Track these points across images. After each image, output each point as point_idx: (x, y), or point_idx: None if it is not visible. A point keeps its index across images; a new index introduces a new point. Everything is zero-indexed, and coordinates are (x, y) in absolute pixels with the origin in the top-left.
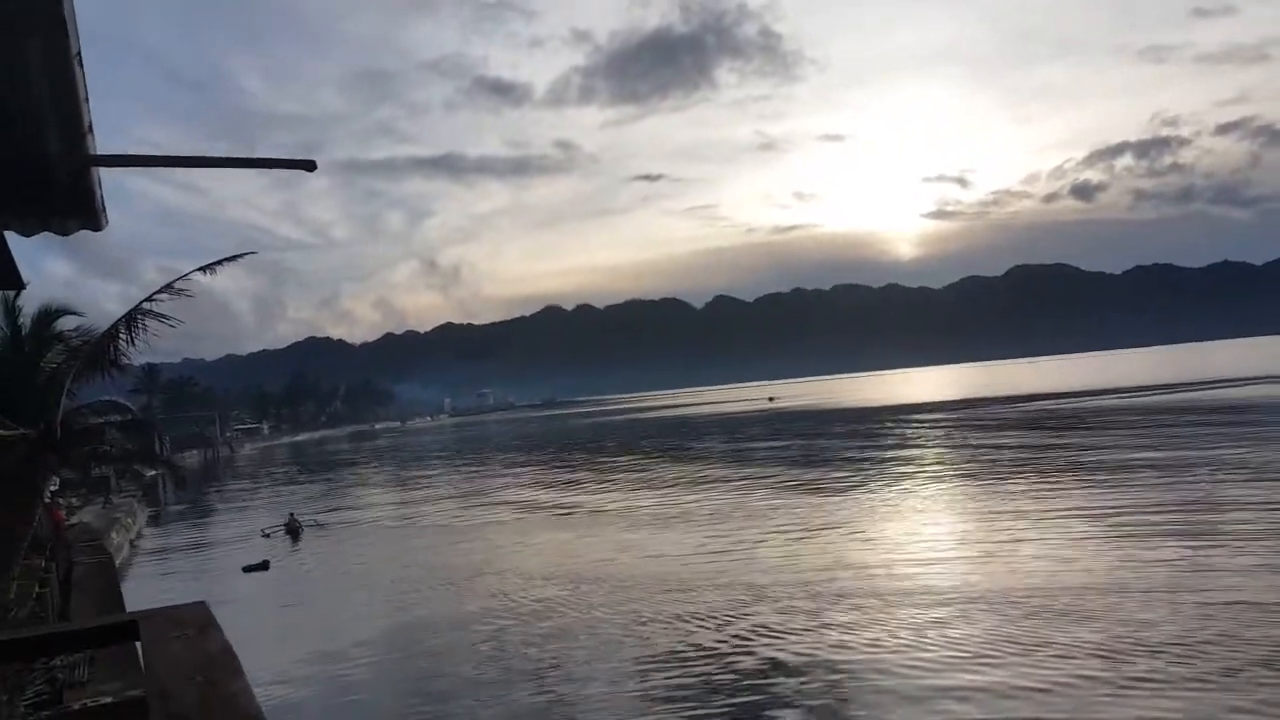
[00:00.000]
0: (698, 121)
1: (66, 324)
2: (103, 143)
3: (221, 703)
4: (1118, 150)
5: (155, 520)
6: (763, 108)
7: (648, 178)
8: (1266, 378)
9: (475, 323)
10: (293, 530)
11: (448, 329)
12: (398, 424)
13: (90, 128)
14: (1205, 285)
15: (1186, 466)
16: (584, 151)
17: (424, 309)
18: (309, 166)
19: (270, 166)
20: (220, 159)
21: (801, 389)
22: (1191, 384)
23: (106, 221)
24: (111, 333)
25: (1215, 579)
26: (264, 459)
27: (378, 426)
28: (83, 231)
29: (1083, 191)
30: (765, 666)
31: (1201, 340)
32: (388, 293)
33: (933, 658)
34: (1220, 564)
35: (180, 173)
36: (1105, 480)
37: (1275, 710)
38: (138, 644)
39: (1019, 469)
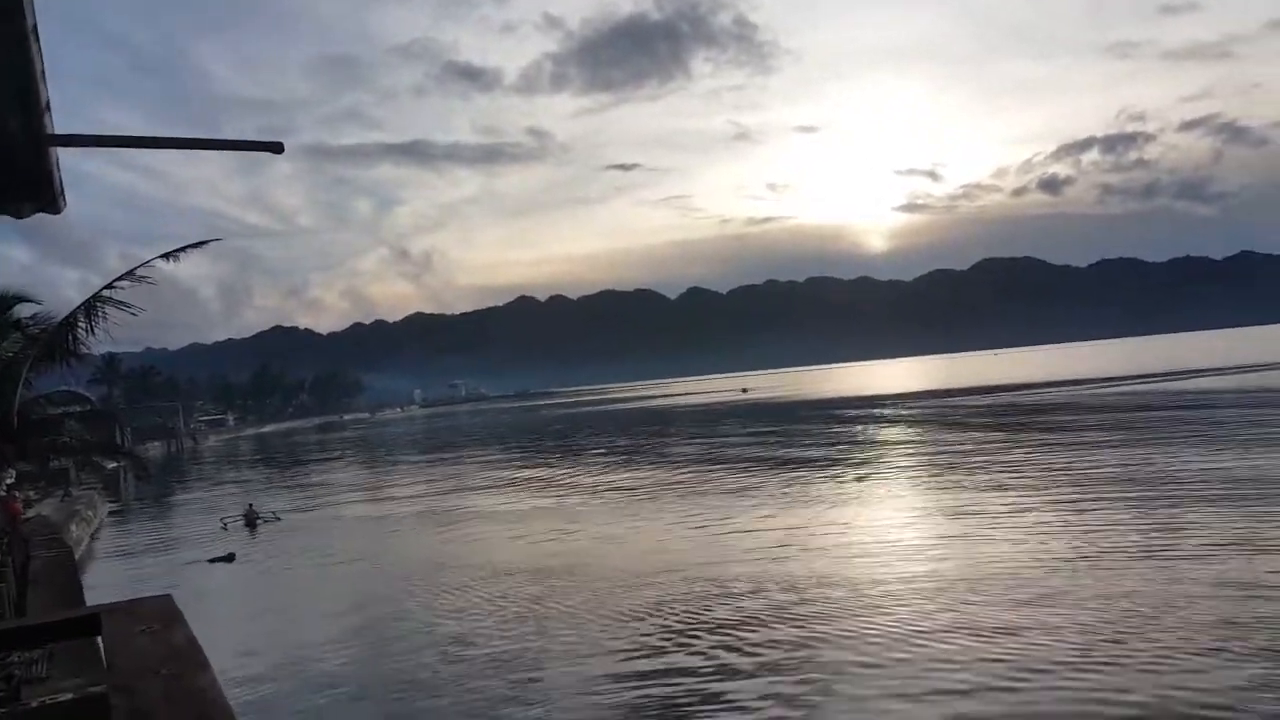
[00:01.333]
0: (672, 111)
1: (23, 311)
2: (62, 126)
3: (187, 697)
4: (1085, 145)
5: (117, 513)
6: (737, 98)
7: (622, 167)
8: (1224, 369)
9: (446, 313)
10: (250, 521)
11: (418, 319)
12: (367, 415)
13: (48, 106)
14: (1168, 279)
15: (1147, 453)
16: (556, 140)
17: (394, 298)
18: (276, 149)
19: (236, 148)
20: (185, 139)
21: (775, 380)
22: (1152, 375)
23: (65, 204)
24: (70, 321)
25: (1173, 561)
26: (229, 451)
27: (346, 418)
28: (41, 215)
29: (1050, 185)
30: (735, 659)
31: (1163, 333)
32: (356, 282)
33: (905, 646)
34: (1177, 546)
35: (142, 157)
36: (1068, 468)
37: (1229, 689)
38: (99, 639)
39: (984, 457)
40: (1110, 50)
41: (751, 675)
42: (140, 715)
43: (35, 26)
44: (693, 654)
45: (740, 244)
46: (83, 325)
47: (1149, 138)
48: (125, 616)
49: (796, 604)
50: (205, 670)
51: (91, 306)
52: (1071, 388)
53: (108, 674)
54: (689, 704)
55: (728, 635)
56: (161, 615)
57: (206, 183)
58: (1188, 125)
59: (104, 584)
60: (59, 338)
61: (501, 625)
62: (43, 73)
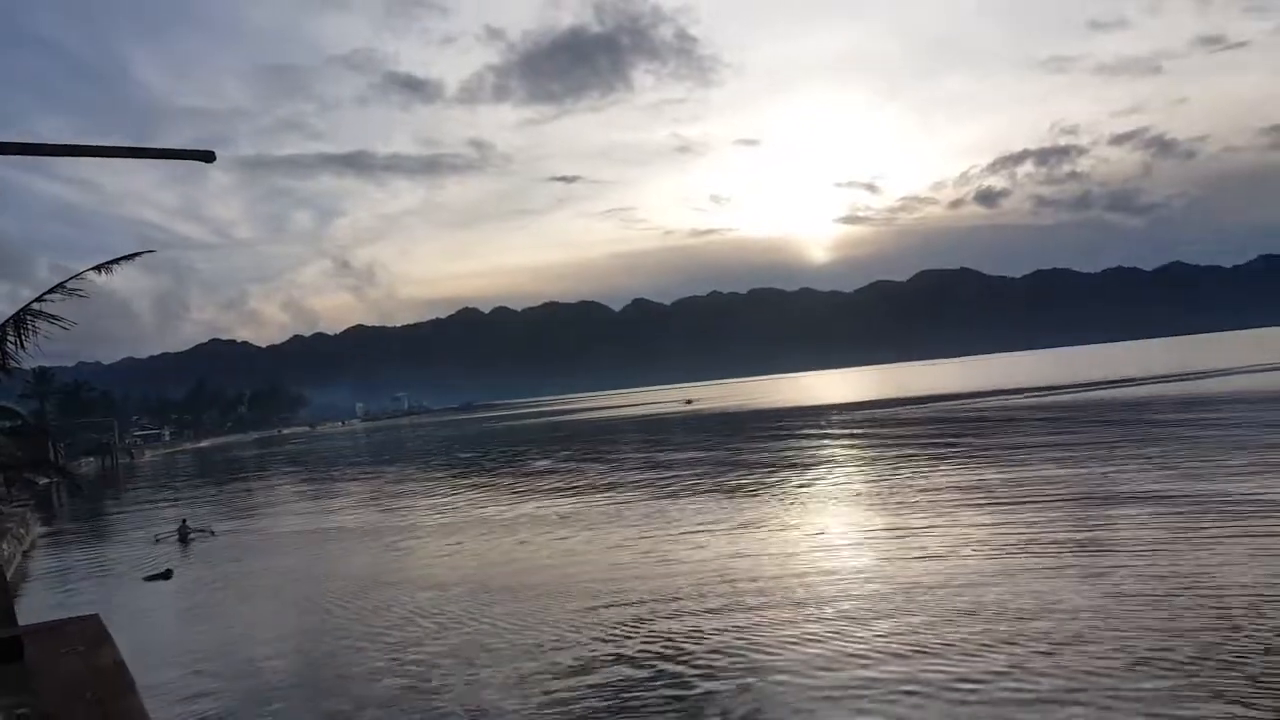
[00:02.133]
0: (614, 123)
1: None
2: None
3: None
4: (1020, 158)
5: (50, 530)
6: (678, 110)
7: (564, 179)
8: (1153, 378)
9: (388, 325)
10: (184, 536)
11: (359, 331)
12: (307, 429)
13: None
14: (1100, 290)
15: (1081, 458)
16: (498, 151)
17: (334, 311)
18: (208, 158)
19: (167, 157)
20: (115, 148)
21: (718, 391)
22: (1086, 384)
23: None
24: None
25: (1106, 566)
26: (166, 466)
27: (286, 432)
28: None
29: (987, 198)
30: (681, 668)
31: (1097, 343)
32: (296, 294)
33: (842, 653)
34: (1111, 545)
35: (73, 168)
36: (1003, 473)
37: (1171, 698)
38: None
39: (921, 464)
40: (1044, 65)
41: (684, 685)
42: None
43: None
44: (630, 665)
45: (683, 256)
46: (12, 340)
47: (1081, 150)
48: (50, 638)
49: (732, 613)
50: (131, 694)
51: (21, 320)
52: (1007, 397)
53: (33, 698)
54: (624, 715)
55: (663, 646)
56: (88, 636)
57: (139, 194)
58: (1118, 139)
59: (36, 603)
60: None
61: (441, 640)
62: None
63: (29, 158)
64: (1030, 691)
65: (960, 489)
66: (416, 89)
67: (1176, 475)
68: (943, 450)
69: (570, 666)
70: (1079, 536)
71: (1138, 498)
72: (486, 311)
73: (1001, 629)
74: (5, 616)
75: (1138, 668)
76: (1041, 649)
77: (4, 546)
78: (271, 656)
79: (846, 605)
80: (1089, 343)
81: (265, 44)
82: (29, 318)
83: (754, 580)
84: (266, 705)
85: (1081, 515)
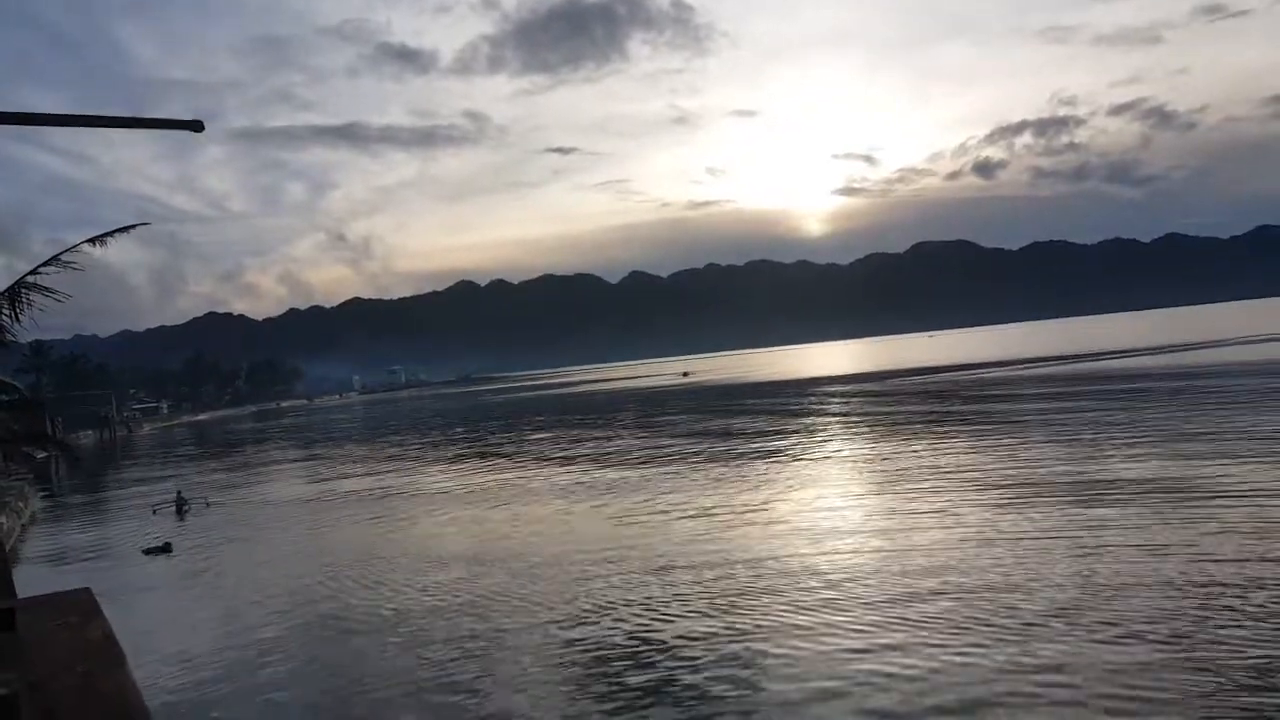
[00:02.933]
0: (610, 94)
1: None
2: None
3: (100, 696)
4: (1018, 129)
5: (48, 503)
6: (675, 81)
7: (560, 150)
8: (1150, 349)
9: (385, 298)
10: (180, 507)
11: (356, 304)
12: (304, 402)
13: None
14: (1097, 261)
15: (1077, 429)
16: (493, 122)
17: (331, 283)
18: (196, 128)
19: (156, 127)
20: (103, 118)
21: (715, 364)
22: (1080, 355)
23: None
24: None
25: (1099, 539)
26: (163, 439)
27: (284, 404)
28: None
29: (984, 169)
30: (678, 644)
31: (1093, 315)
32: (292, 267)
33: (838, 632)
34: (1104, 521)
35: (66, 141)
36: (1001, 444)
37: (1156, 675)
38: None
39: (918, 436)
40: (1042, 35)
41: (678, 658)
42: (51, 714)
43: None
44: (631, 640)
45: (680, 228)
46: (7, 313)
47: (1080, 121)
48: (42, 611)
49: (726, 586)
50: (121, 667)
51: (16, 293)
52: (1004, 368)
53: (22, 670)
54: (624, 692)
55: (660, 620)
56: (80, 609)
57: (133, 166)
58: (1117, 109)
59: (36, 576)
60: None
61: (445, 612)
62: None
63: (23, 129)
64: (1012, 671)
65: (954, 459)
66: (410, 59)
67: (1170, 445)
68: (937, 422)
69: (574, 647)
70: (1073, 510)
71: (1133, 466)
72: (483, 284)
73: (984, 601)
74: (4, 588)
75: (1126, 640)
76: (1023, 622)
77: (3, 520)
78: (265, 628)
79: (835, 576)
80: (1086, 314)
81: (254, 16)
82: (24, 291)
83: (747, 557)
84: (259, 678)
85: (1076, 488)
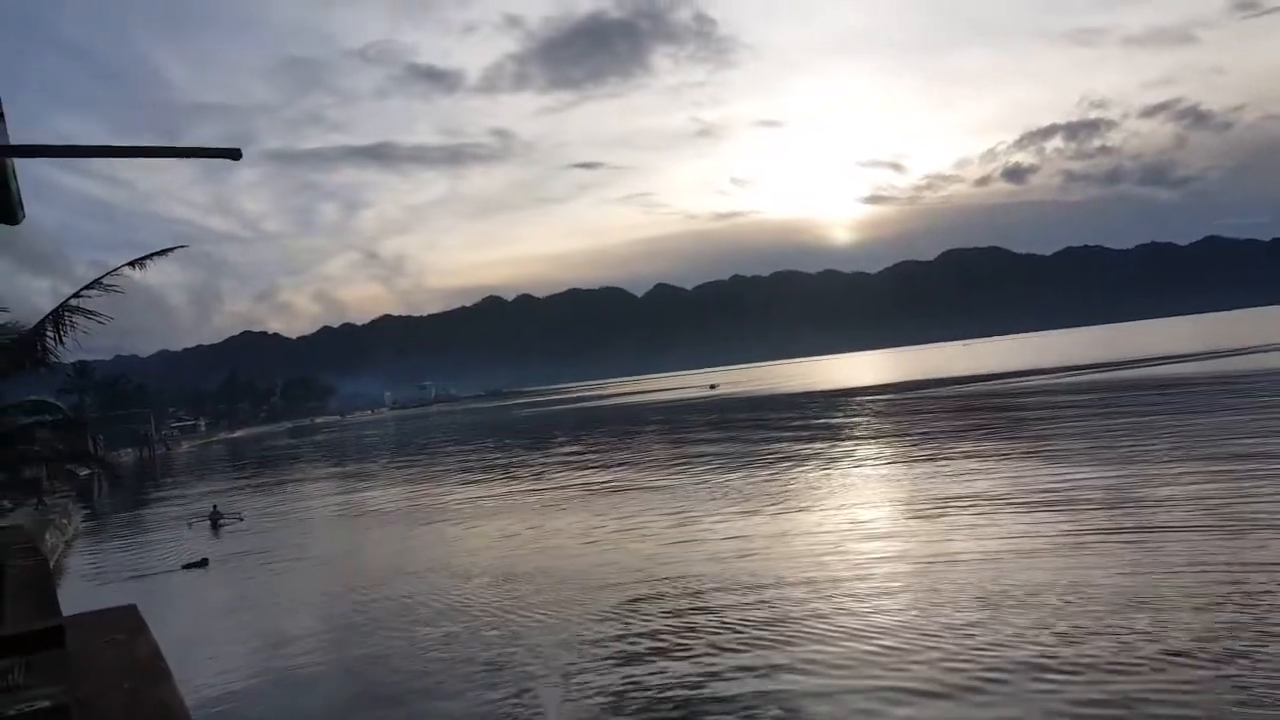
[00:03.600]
0: (634, 108)
1: None
2: (19, 137)
3: (149, 710)
4: (1048, 132)
5: (91, 520)
6: (699, 94)
7: (585, 165)
8: (1191, 355)
9: (415, 314)
10: (215, 522)
11: (386, 321)
12: (338, 417)
13: (2, 116)
14: (1132, 266)
15: (1115, 439)
16: (520, 139)
17: (362, 301)
18: (234, 155)
19: (195, 156)
20: (142, 148)
21: (742, 375)
22: (1118, 363)
23: (23, 215)
24: (39, 330)
25: (1145, 560)
26: (201, 456)
27: (317, 421)
28: (7, 227)
29: (1014, 174)
30: (711, 660)
31: (1129, 320)
32: (324, 285)
33: (869, 643)
34: (1149, 543)
35: (103, 165)
36: (1038, 457)
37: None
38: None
39: (952, 449)
40: (1070, 37)
41: (716, 675)
42: None
43: None
44: (664, 653)
45: (705, 240)
46: (51, 335)
47: (1111, 124)
48: (90, 628)
49: (760, 601)
50: (167, 682)
51: (60, 315)
52: (1039, 377)
53: (72, 685)
54: (661, 705)
55: (694, 631)
56: (126, 626)
57: (171, 190)
58: (1150, 111)
59: (79, 592)
60: (27, 347)
61: (481, 628)
62: None
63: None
64: (1052, 681)
65: (989, 474)
66: (437, 79)
67: (1212, 456)
68: (969, 434)
69: (613, 657)
70: (1116, 520)
71: (1176, 482)
72: (510, 299)
73: (1029, 613)
74: (49, 605)
75: (1172, 658)
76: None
77: (47, 537)
78: (303, 641)
79: (863, 586)
80: (1122, 320)
81: (284, 39)
82: (67, 314)
83: (778, 563)
84: (298, 693)
85: (1119, 499)
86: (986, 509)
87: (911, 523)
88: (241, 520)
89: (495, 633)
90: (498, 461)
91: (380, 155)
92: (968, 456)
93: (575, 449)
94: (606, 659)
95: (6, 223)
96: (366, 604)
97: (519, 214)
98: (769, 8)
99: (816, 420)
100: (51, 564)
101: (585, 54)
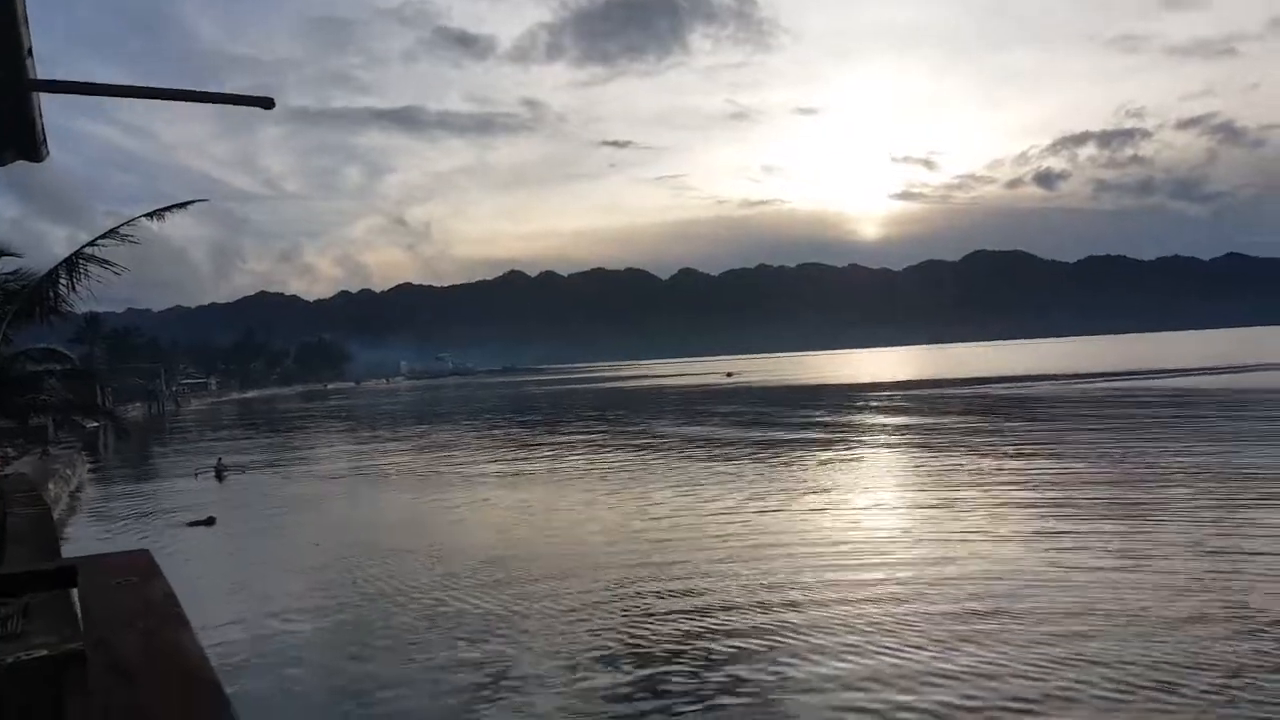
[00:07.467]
0: (669, 87)
1: (4, 266)
2: (43, 75)
3: (165, 652)
4: (1082, 139)
5: (96, 473)
6: (736, 76)
7: (616, 144)
8: (1208, 369)
9: (436, 284)
10: (219, 474)
11: (407, 289)
12: (351, 384)
13: (30, 51)
14: (1155, 279)
15: (1126, 449)
16: (551, 111)
17: (383, 268)
18: (267, 104)
19: (227, 102)
20: (173, 91)
21: (761, 365)
22: (1135, 372)
23: (47, 153)
24: (52, 277)
25: (1154, 572)
26: (211, 415)
27: (330, 386)
28: (28, 167)
29: (1045, 179)
30: (712, 649)
31: (1147, 331)
32: (345, 250)
33: (870, 650)
34: (1159, 553)
35: (128, 114)
36: (1051, 465)
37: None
38: (75, 595)
39: (963, 449)
40: (1113, 44)
41: (710, 667)
42: (118, 669)
43: None
44: (658, 641)
45: (733, 226)
46: (64, 282)
47: (1146, 134)
48: (103, 568)
49: (758, 600)
50: (184, 625)
51: (74, 263)
52: (1057, 382)
53: (84, 627)
54: (654, 694)
55: (690, 622)
56: (139, 569)
57: (193, 143)
58: (1185, 124)
59: (81, 543)
60: (40, 294)
61: (479, 595)
62: (25, 17)
63: (88, 100)
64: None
65: (1008, 481)
66: (468, 45)
67: (1218, 465)
68: (981, 436)
69: (604, 642)
70: (1121, 531)
71: (1182, 486)
72: (533, 275)
73: (1021, 624)
74: (51, 554)
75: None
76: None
77: (51, 487)
78: (304, 608)
79: (862, 594)
80: (1140, 330)
81: None
82: (82, 262)
83: (794, 565)
84: (291, 639)
85: (1124, 509)
86: (974, 507)
87: (869, 513)
88: (244, 473)
89: (485, 591)
90: (507, 437)
91: (407, 120)
92: (970, 454)
93: (581, 429)
94: (573, 616)
95: (30, 159)
96: (359, 562)
97: (546, 188)
98: None
99: (827, 414)
100: (55, 514)
101: (621, 28)
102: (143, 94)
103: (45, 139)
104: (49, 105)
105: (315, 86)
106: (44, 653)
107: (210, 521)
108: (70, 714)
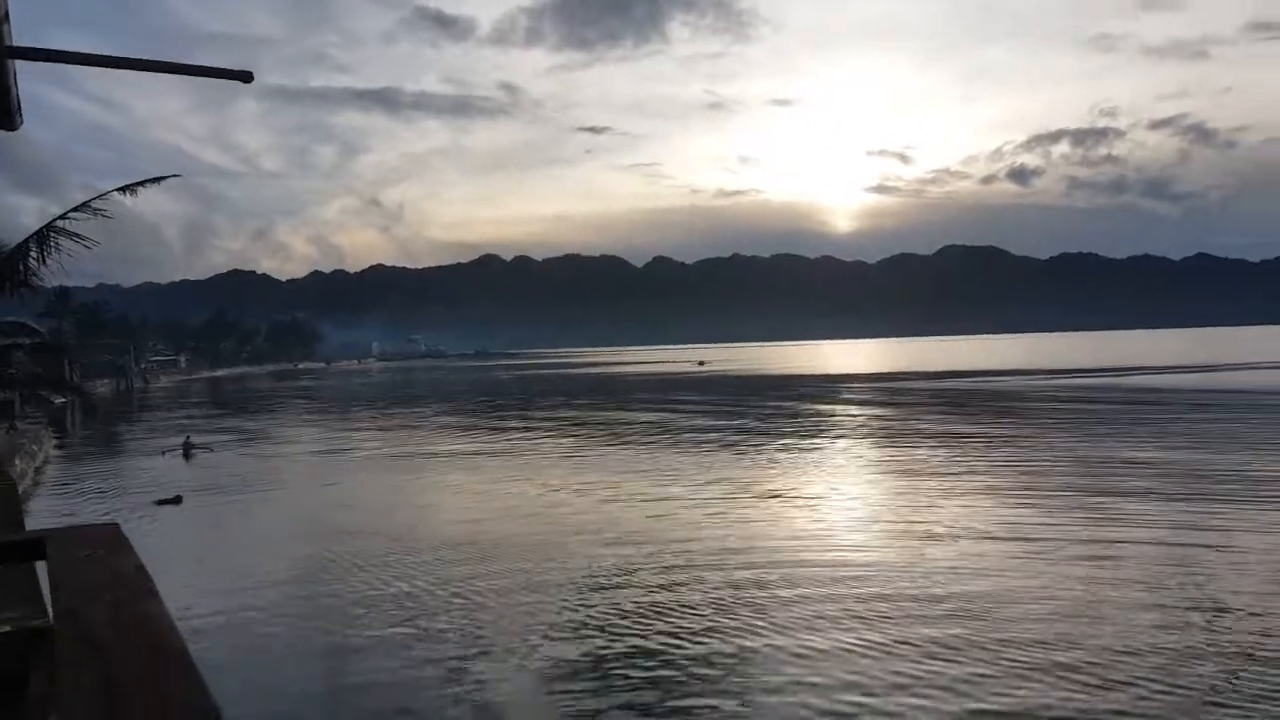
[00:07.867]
0: (647, 75)
1: None
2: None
3: (134, 623)
4: (1056, 137)
5: (63, 449)
6: (714, 66)
7: (593, 130)
8: (1176, 367)
9: (410, 266)
10: (187, 452)
11: (380, 271)
12: (322, 365)
13: (6, 16)
14: (1124, 277)
15: (1094, 443)
16: (528, 96)
17: (357, 249)
18: (246, 78)
19: (206, 75)
20: (151, 62)
21: (733, 354)
22: (1104, 369)
23: (21, 121)
24: (22, 250)
25: (1117, 561)
26: (180, 392)
27: (300, 366)
28: (3, 138)
29: (1019, 176)
30: (674, 644)
31: (1115, 329)
32: (319, 229)
33: (833, 638)
34: (1123, 544)
35: (102, 87)
36: (1017, 457)
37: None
38: (41, 570)
39: (929, 441)
40: (1090, 43)
41: (676, 657)
42: (87, 641)
43: None
44: (627, 632)
45: (708, 216)
46: (35, 256)
47: (1119, 134)
48: (71, 541)
49: (725, 592)
50: (154, 597)
51: (45, 236)
52: (1024, 377)
53: (52, 599)
54: (624, 686)
55: (657, 617)
56: (107, 541)
57: (166, 118)
58: (1158, 124)
59: (47, 520)
60: (10, 267)
61: (436, 578)
62: None
63: (59, 69)
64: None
65: (966, 467)
66: (446, 26)
67: (1183, 461)
68: (948, 426)
69: (565, 627)
70: (1084, 525)
71: (1145, 482)
72: (508, 259)
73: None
74: (15, 528)
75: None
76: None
77: (17, 462)
78: (273, 584)
79: (817, 587)
80: (1110, 328)
81: None
82: (53, 235)
83: (760, 553)
84: (261, 614)
85: (1088, 503)
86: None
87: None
88: (212, 452)
89: (453, 565)
90: (475, 421)
91: (384, 100)
92: (937, 445)
93: (549, 414)
94: (541, 595)
95: (4, 127)
96: (326, 543)
97: (522, 173)
98: None
99: (796, 404)
100: (20, 489)
101: (600, 14)
102: (121, 64)
103: (20, 107)
104: (23, 76)
105: (292, 65)
106: (6, 629)
107: (178, 500)
108: (38, 686)
